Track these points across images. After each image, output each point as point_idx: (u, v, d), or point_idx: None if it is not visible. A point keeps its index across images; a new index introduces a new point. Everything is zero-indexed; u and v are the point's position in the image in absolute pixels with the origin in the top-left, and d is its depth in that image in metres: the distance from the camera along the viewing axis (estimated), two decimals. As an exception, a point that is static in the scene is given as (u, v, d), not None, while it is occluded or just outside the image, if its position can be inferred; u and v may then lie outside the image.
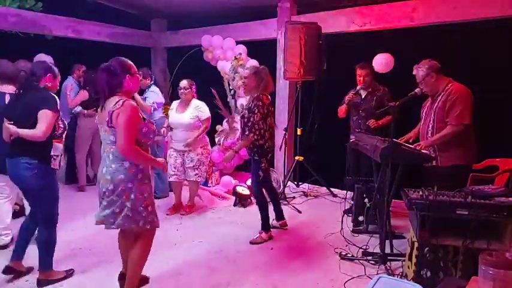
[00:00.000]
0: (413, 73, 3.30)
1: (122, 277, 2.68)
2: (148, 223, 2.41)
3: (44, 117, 2.58)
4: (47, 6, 5.48)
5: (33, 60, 5.05)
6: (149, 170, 2.46)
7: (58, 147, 2.77)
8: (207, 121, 4.25)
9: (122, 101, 2.26)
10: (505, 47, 4.09)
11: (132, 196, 2.31)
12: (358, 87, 4.31)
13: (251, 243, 3.56)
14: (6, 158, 2.70)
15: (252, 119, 3.43)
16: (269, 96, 3.58)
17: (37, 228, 2.79)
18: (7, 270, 2.79)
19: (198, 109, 4.20)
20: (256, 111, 3.42)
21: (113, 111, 2.24)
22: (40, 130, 2.55)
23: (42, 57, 5.22)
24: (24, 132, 2.57)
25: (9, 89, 3.18)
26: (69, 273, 2.90)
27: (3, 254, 3.24)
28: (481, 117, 3.18)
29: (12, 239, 3.33)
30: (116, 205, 2.32)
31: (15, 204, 3.81)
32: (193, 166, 4.23)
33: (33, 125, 2.58)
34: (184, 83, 4.21)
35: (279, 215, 3.92)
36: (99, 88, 2.34)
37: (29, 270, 2.91)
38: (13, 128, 2.57)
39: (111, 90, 2.32)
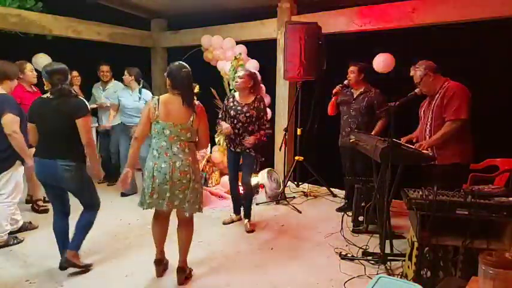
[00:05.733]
0: (411, 74, 3.33)
1: (159, 262, 2.90)
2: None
3: (84, 125, 2.76)
4: (47, 6, 5.48)
5: (32, 60, 5.06)
6: None
7: None
8: None
9: (197, 103, 2.68)
10: (505, 47, 4.09)
11: (202, 182, 2.87)
12: (346, 82, 4.28)
13: (224, 223, 4.03)
14: (41, 158, 2.79)
15: (265, 117, 3.87)
16: None
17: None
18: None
19: None
20: (261, 108, 3.80)
21: (195, 113, 2.64)
22: (87, 140, 2.79)
23: (42, 57, 5.23)
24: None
25: None
26: (88, 267, 3.00)
27: (4, 253, 3.26)
28: (481, 117, 3.18)
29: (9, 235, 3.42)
30: (198, 192, 2.71)
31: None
32: None
33: (68, 128, 2.74)
34: None
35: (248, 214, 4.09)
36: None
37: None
38: None
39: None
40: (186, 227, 2.83)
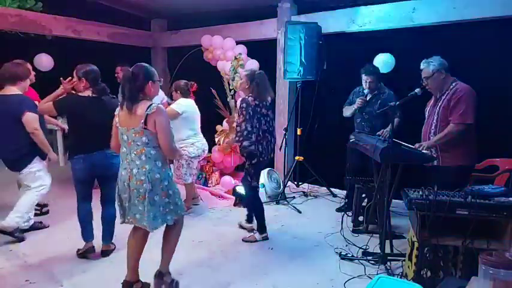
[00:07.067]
0: (421, 67, 3.24)
1: (127, 285, 2.62)
2: (183, 209, 2.68)
3: None
4: (47, 6, 5.48)
5: (34, 60, 5.06)
6: None
7: None
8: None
9: (154, 105, 2.38)
10: (505, 47, 4.09)
11: (170, 192, 2.52)
12: (365, 92, 4.22)
13: (243, 240, 3.60)
14: (88, 153, 3.02)
15: (237, 121, 3.45)
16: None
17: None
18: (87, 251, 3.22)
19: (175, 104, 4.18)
20: (239, 113, 3.39)
21: (148, 114, 2.36)
22: None
23: (42, 57, 5.23)
24: None
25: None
26: (115, 247, 3.33)
27: (4, 253, 3.26)
28: (481, 117, 3.17)
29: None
30: (160, 205, 2.48)
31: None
32: (174, 166, 4.22)
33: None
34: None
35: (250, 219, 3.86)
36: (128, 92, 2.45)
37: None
38: None
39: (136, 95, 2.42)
40: (169, 234, 2.66)
